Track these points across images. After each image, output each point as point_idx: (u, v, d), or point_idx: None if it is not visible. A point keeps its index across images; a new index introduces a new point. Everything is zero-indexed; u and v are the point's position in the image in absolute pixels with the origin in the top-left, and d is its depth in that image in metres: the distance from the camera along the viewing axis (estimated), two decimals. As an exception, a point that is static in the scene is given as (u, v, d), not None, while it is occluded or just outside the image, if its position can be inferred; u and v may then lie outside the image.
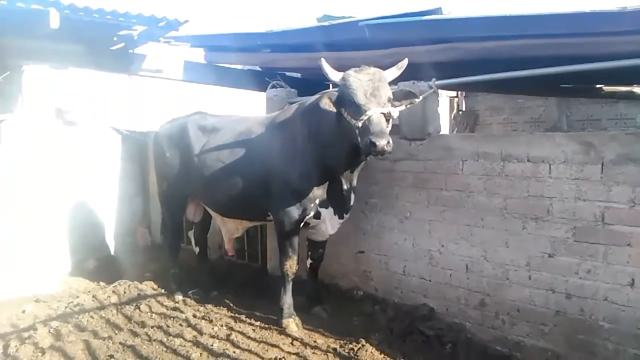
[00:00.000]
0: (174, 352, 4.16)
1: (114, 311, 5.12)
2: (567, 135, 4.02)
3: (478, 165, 4.41)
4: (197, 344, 4.27)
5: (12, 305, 5.40)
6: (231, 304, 5.28)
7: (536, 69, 4.09)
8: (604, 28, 3.59)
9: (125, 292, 5.65)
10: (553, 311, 3.98)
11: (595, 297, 3.75)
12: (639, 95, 6.04)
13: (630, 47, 3.54)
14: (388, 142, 3.65)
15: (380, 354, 4.04)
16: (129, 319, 4.95)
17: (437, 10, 4.60)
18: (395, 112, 4.02)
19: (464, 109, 10.86)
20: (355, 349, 4.09)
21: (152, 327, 4.69)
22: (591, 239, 3.76)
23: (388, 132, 3.77)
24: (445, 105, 10.57)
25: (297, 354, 4.12)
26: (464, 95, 10.75)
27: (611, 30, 3.57)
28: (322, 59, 4.12)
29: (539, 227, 4.03)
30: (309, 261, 5.19)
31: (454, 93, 10.54)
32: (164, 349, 4.22)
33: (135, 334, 4.52)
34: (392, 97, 4.00)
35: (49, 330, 4.59)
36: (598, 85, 6.01)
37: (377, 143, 3.62)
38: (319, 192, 4.57)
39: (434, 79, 4.68)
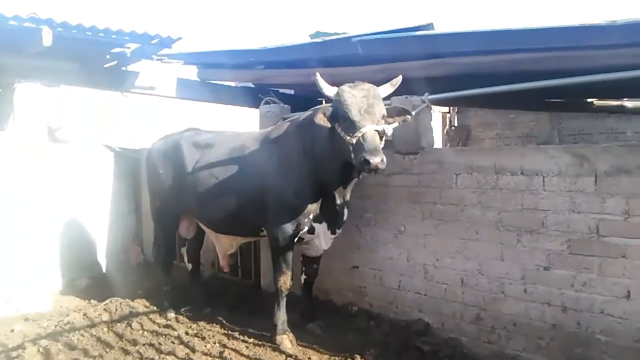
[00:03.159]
0: (167, 370, 4.11)
1: (105, 329, 5.05)
2: (560, 147, 4.04)
3: (472, 178, 4.42)
4: (189, 361, 4.22)
5: (0, 324, 5.29)
6: (224, 321, 5.21)
7: (527, 83, 4.12)
8: (594, 42, 3.63)
9: (116, 310, 5.58)
10: (549, 325, 3.95)
11: (592, 310, 3.73)
12: (630, 109, 6.10)
13: (620, 61, 3.58)
14: (382, 160, 3.66)
15: (376, 370, 4.00)
16: (120, 336, 4.87)
17: (429, 26, 4.65)
18: (389, 130, 4.03)
19: (456, 125, 10.93)
20: (351, 365, 4.05)
21: (143, 344, 4.62)
22: (586, 251, 3.75)
23: (381, 149, 3.78)
24: (437, 121, 10.63)
25: (291, 371, 4.08)
26: (456, 111, 10.84)
27: (601, 44, 3.60)
28: (317, 74, 4.14)
29: (534, 240, 4.02)
30: (303, 277, 5.15)
31: (446, 109, 10.61)
32: (156, 367, 4.16)
33: (127, 352, 4.45)
34: (386, 114, 4.01)
35: (38, 350, 4.51)
36: (589, 100, 6.06)
37: (372, 161, 3.62)
38: (312, 207, 4.54)
39: (426, 94, 4.72)
